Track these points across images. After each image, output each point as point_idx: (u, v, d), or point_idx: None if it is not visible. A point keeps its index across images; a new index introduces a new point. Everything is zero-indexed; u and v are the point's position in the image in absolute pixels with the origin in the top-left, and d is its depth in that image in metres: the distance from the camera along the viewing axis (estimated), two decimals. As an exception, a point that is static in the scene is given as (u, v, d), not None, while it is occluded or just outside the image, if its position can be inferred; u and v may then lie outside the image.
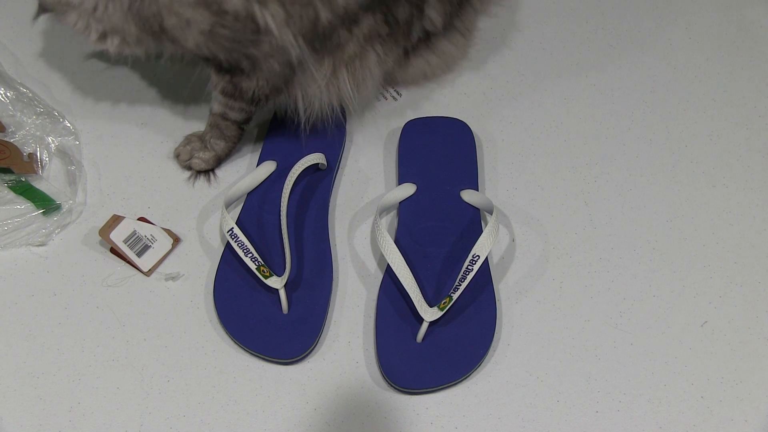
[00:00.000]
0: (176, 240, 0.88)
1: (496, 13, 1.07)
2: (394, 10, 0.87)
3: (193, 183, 0.93)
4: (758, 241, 0.91)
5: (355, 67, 0.88)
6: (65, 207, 0.89)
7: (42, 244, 0.88)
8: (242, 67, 0.82)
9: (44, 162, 0.92)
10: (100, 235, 0.86)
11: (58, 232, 0.88)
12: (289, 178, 0.87)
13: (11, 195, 0.89)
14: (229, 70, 0.83)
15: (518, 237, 0.91)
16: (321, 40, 0.82)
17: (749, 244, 0.91)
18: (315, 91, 0.87)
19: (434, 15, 0.92)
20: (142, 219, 0.89)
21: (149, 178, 0.93)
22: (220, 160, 0.94)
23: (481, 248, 0.83)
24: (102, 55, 1.02)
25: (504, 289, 0.87)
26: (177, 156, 0.94)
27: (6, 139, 0.92)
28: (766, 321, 0.86)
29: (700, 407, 0.80)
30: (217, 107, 0.90)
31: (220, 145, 0.93)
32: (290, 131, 0.95)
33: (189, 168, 0.94)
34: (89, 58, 1.02)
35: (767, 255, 0.90)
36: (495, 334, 0.83)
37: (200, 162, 0.93)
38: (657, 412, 0.80)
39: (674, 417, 0.80)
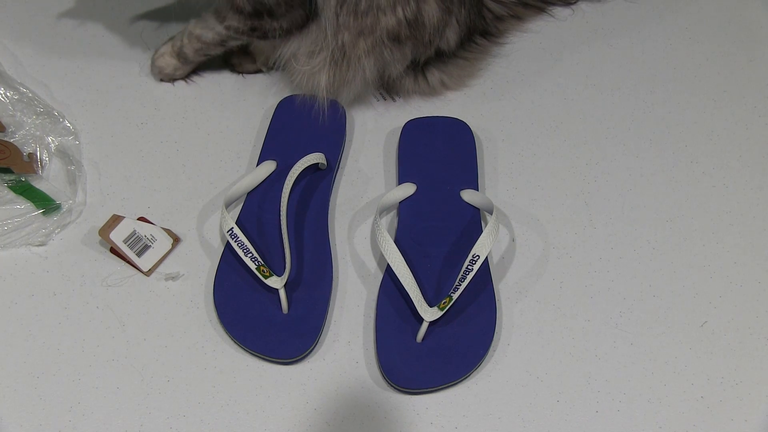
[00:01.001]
0: (176, 240, 0.88)
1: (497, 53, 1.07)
2: (424, 8, 0.89)
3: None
4: (758, 241, 0.91)
5: (355, 64, 0.90)
6: (65, 207, 0.89)
7: (42, 244, 0.87)
8: (272, 11, 0.87)
9: (44, 162, 0.92)
10: (100, 235, 0.86)
11: (58, 232, 0.88)
12: (289, 177, 0.87)
13: (11, 195, 0.89)
14: (258, 14, 0.88)
15: (518, 237, 0.91)
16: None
17: (749, 244, 0.91)
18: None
19: (452, 35, 0.95)
20: (142, 219, 0.89)
21: (149, 178, 0.93)
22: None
23: (481, 248, 0.83)
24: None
25: (504, 289, 0.87)
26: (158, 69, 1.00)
27: (6, 139, 0.92)
28: (766, 321, 0.86)
29: (700, 407, 0.80)
30: (213, 37, 0.93)
31: (198, 58, 0.98)
32: (290, 131, 0.95)
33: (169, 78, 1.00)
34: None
35: (767, 255, 0.90)
36: (495, 334, 0.83)
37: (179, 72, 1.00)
38: (657, 412, 0.80)
39: (674, 417, 0.80)
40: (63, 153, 0.93)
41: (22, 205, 0.89)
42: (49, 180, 0.92)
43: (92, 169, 0.93)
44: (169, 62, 0.98)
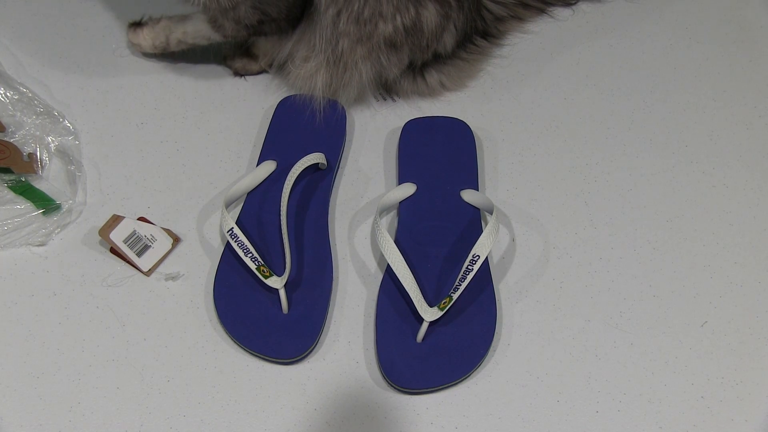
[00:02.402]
0: (176, 240, 0.88)
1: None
2: (423, 14, 0.89)
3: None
4: (758, 241, 0.91)
5: (351, 68, 0.90)
6: (65, 207, 0.89)
7: (42, 244, 0.87)
8: (274, 18, 0.89)
9: (44, 162, 0.92)
10: (100, 235, 0.86)
11: (57, 232, 0.88)
12: (289, 177, 0.87)
13: (11, 195, 0.89)
14: (259, 22, 0.89)
15: (518, 237, 0.91)
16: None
17: (749, 244, 0.91)
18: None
19: (449, 39, 0.95)
20: (142, 219, 0.89)
21: (149, 178, 0.93)
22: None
23: (481, 248, 0.83)
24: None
25: (504, 289, 0.87)
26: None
27: (6, 139, 0.92)
28: (766, 321, 0.86)
29: (700, 407, 0.80)
30: (206, 43, 0.95)
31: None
32: (290, 131, 0.95)
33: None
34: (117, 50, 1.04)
35: (767, 255, 0.90)
36: (495, 334, 0.83)
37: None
38: (657, 412, 0.80)
39: (674, 417, 0.80)
40: (63, 153, 0.93)
41: (22, 205, 0.89)
42: (49, 180, 0.92)
43: (92, 169, 0.93)
44: (149, 52, 0.99)
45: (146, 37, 0.97)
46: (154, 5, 1.02)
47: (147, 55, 1.01)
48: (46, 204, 0.89)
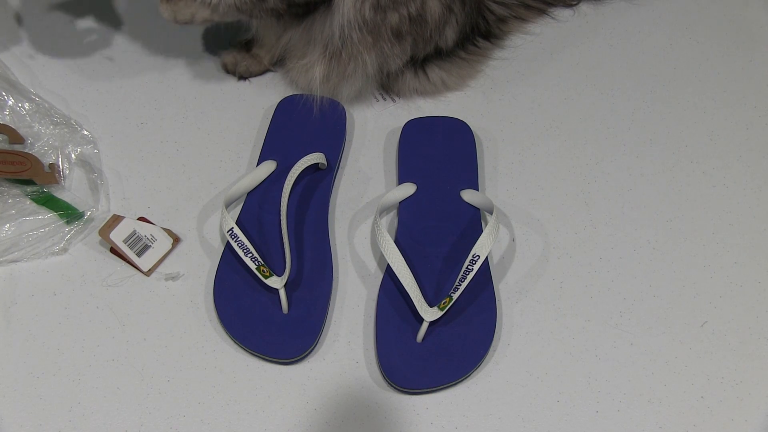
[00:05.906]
0: (176, 240, 0.88)
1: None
2: (428, 2, 0.89)
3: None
4: (758, 241, 0.91)
5: (356, 58, 0.90)
6: (87, 215, 0.89)
7: (64, 251, 0.87)
8: None
9: (65, 171, 0.92)
10: (100, 235, 0.86)
11: (81, 239, 0.88)
12: (289, 177, 0.87)
13: (33, 206, 0.89)
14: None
15: (518, 237, 0.91)
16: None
17: (749, 244, 0.91)
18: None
19: (450, 34, 0.95)
20: (142, 219, 0.89)
21: (149, 178, 0.93)
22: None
23: (481, 248, 0.83)
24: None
25: (504, 289, 0.87)
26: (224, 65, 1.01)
27: (25, 150, 0.91)
28: (766, 321, 0.86)
29: (700, 407, 0.80)
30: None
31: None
32: (290, 131, 0.95)
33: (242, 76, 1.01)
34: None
35: (767, 255, 0.90)
36: (495, 334, 0.83)
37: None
38: (657, 412, 0.80)
39: (674, 417, 0.80)
40: (83, 161, 0.93)
41: (44, 216, 0.89)
42: (72, 189, 0.91)
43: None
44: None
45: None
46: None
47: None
48: (68, 213, 0.88)
